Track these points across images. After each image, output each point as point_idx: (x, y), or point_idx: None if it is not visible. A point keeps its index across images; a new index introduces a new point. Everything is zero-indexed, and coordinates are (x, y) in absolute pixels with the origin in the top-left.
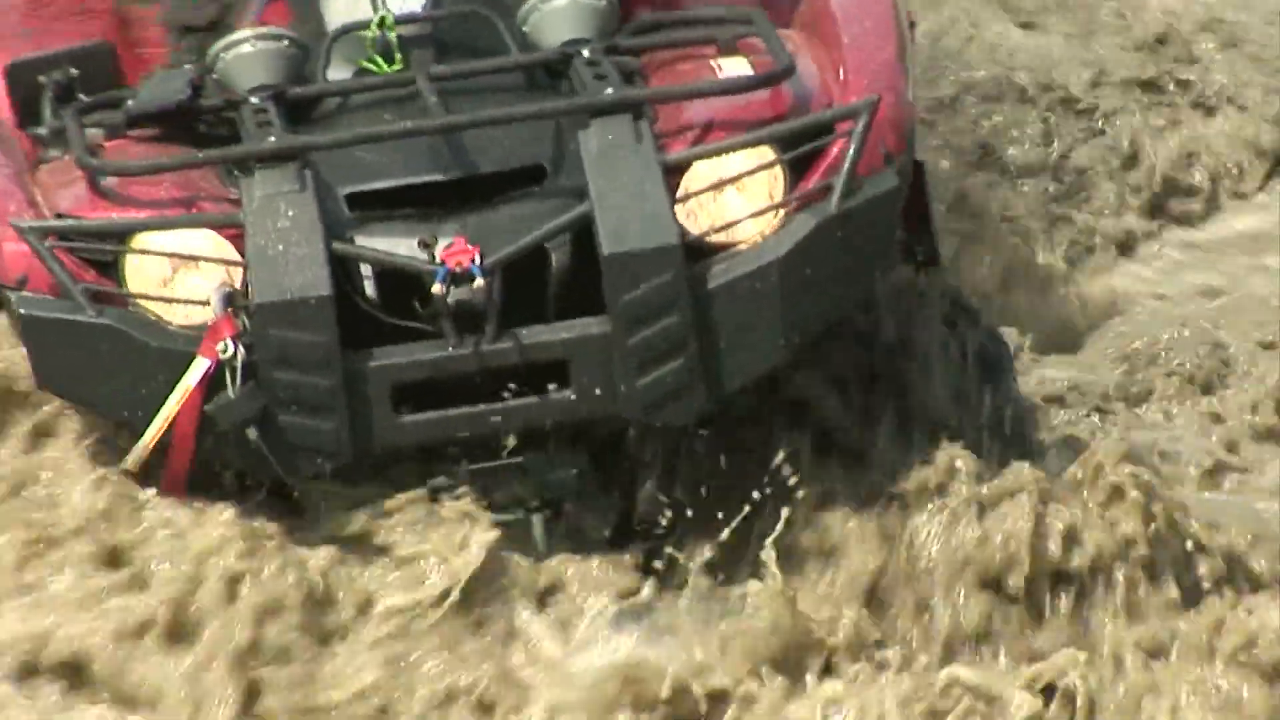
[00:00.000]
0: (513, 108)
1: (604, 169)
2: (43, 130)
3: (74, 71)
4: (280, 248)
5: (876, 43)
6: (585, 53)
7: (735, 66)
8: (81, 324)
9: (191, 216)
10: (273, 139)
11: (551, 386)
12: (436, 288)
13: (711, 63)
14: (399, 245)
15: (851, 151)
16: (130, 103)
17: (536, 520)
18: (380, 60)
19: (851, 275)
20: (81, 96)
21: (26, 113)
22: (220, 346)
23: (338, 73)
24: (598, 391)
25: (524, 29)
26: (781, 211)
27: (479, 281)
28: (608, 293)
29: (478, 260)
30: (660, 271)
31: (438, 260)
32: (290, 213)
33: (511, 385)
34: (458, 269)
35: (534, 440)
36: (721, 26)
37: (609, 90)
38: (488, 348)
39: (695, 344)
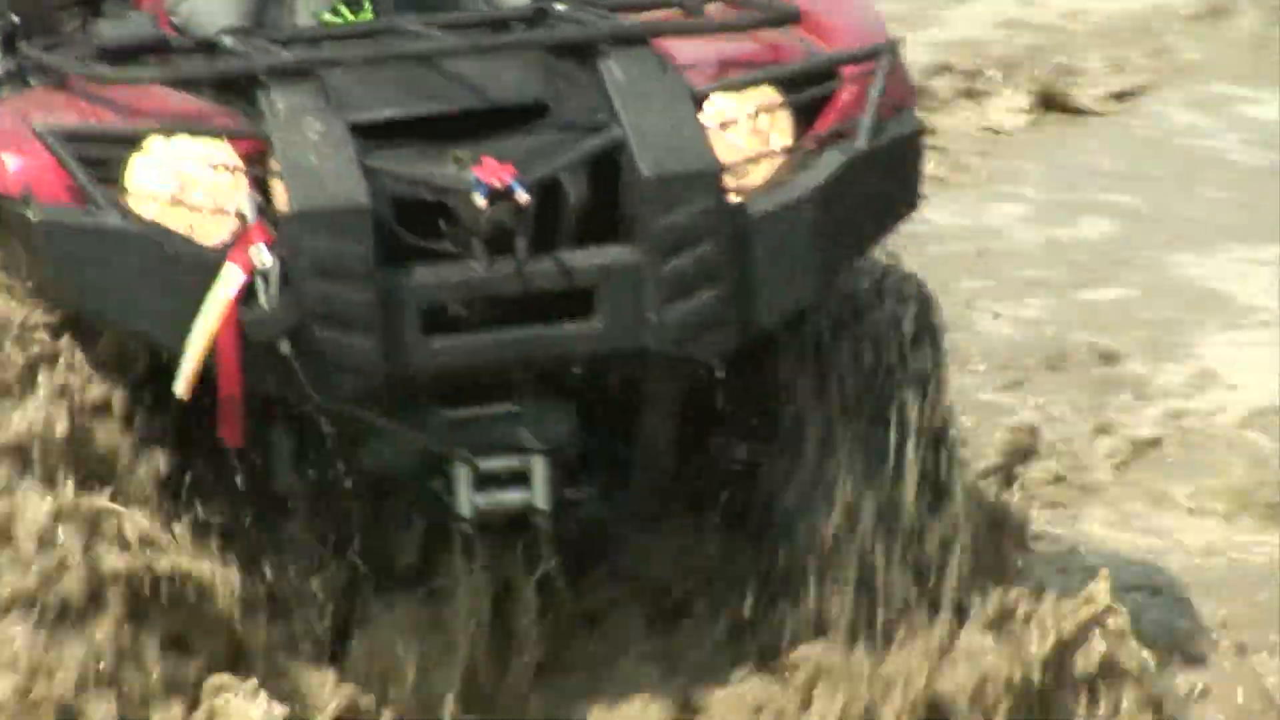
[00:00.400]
0: (529, 35)
1: (633, 96)
2: None
3: (15, 19)
4: (314, 159)
5: (867, 16)
6: (559, 6)
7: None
8: (108, 231)
9: (214, 126)
10: (286, 55)
11: (579, 317)
12: (479, 201)
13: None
14: (417, 165)
15: (876, 91)
16: (102, 41)
17: (538, 465)
18: (345, 10)
19: (879, 215)
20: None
21: None
22: (255, 255)
23: (302, 20)
24: (625, 321)
25: None
26: (786, 153)
27: (523, 196)
28: (642, 219)
29: (516, 178)
30: (699, 197)
31: (475, 177)
32: (319, 126)
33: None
34: (498, 185)
35: (526, 390)
36: None
37: (619, 22)
38: (521, 269)
39: (731, 274)
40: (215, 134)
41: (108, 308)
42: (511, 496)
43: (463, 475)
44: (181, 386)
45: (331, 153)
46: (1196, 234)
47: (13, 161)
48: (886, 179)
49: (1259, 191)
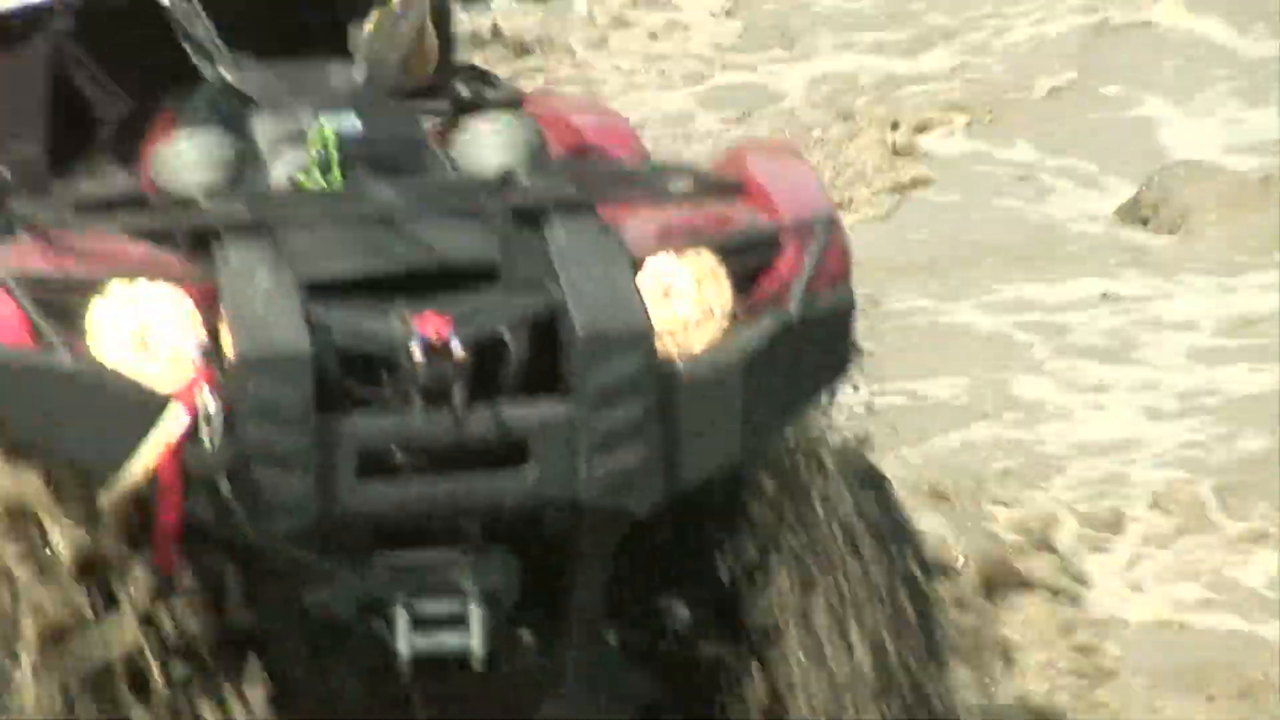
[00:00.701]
0: (474, 200)
1: (573, 258)
2: None
3: (5, 173)
4: (259, 308)
5: (808, 189)
6: (524, 180)
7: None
8: (57, 373)
9: (167, 270)
10: (241, 209)
11: (512, 467)
12: (417, 354)
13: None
14: (360, 318)
15: (811, 262)
16: (79, 191)
17: (475, 614)
18: (318, 174)
19: (806, 384)
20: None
21: None
22: (199, 397)
23: (277, 184)
24: (558, 472)
25: (453, 155)
26: (725, 319)
27: (459, 351)
28: (576, 375)
29: (453, 330)
30: (631, 355)
31: (413, 330)
32: (267, 276)
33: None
34: (435, 339)
35: (464, 536)
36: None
37: (571, 189)
38: (456, 420)
39: (658, 431)
40: (169, 279)
41: (57, 444)
42: (450, 640)
43: (401, 617)
44: (106, 500)
45: (277, 303)
46: None
47: None
48: (817, 348)
49: None
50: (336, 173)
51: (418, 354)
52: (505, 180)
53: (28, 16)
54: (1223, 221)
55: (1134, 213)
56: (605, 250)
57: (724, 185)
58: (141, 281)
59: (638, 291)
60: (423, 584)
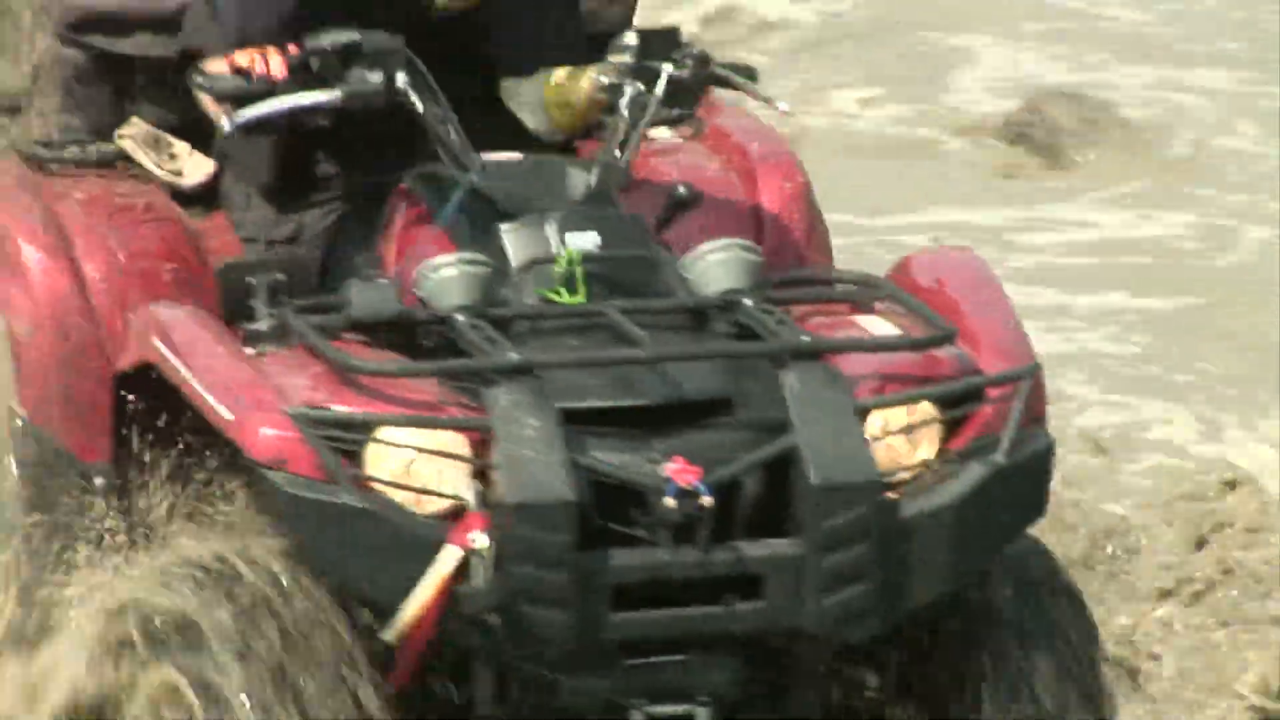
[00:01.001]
0: (726, 345)
1: (807, 407)
2: (261, 326)
3: (280, 276)
4: (528, 453)
5: (1002, 316)
6: (747, 301)
7: (878, 325)
8: (344, 507)
9: (450, 418)
10: (512, 355)
11: (745, 598)
12: (670, 500)
13: (855, 319)
14: (617, 458)
15: (1016, 411)
16: (352, 310)
17: (702, 715)
18: (564, 290)
19: (1012, 521)
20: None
21: (233, 309)
22: (473, 538)
23: (525, 299)
24: (788, 605)
25: (685, 275)
26: (935, 459)
27: (707, 499)
28: (807, 518)
29: (702, 479)
30: (860, 503)
31: (666, 477)
32: (533, 422)
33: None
34: (687, 486)
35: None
36: (856, 289)
37: (804, 337)
38: (700, 557)
39: (879, 570)
40: (454, 426)
41: (339, 569)
42: None
43: (637, 718)
44: (392, 635)
45: (545, 448)
46: None
47: (269, 432)
48: (1020, 490)
49: None
50: (582, 292)
51: (671, 501)
52: (730, 303)
53: (286, 119)
54: None
55: None
56: (836, 399)
57: (941, 336)
58: (416, 425)
59: (867, 443)
60: (657, 687)
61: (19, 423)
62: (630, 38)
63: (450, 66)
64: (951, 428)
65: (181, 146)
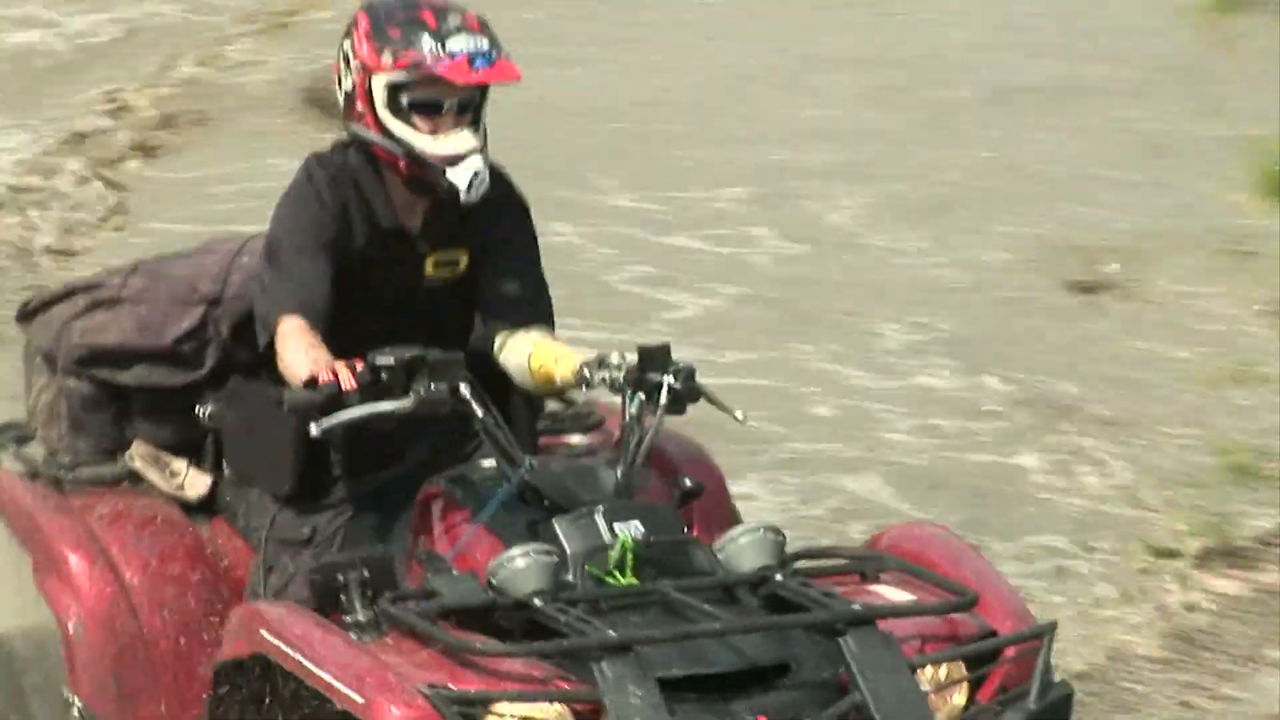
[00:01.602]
0: (798, 617)
1: (869, 667)
2: (359, 617)
3: (366, 572)
4: None
5: (996, 580)
6: (779, 576)
7: (893, 593)
8: None
9: (565, 691)
10: (612, 634)
11: None
12: None
13: (869, 588)
14: None
15: (1043, 662)
16: (445, 599)
17: None
18: (618, 574)
19: None
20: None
21: (326, 603)
22: None
23: (586, 582)
24: None
25: (720, 555)
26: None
27: None
28: None
29: None
30: None
31: None
32: (638, 692)
33: None
34: None
35: None
36: (866, 561)
37: (855, 606)
38: None
39: None
40: (559, 699)
41: None
42: None
43: None
44: None
45: (652, 714)
46: None
47: (399, 711)
48: None
49: None
50: (633, 575)
51: None
52: (764, 579)
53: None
54: None
55: None
56: (893, 659)
57: (964, 602)
58: (535, 700)
59: (925, 696)
60: None
61: (75, 712)
62: (615, 356)
63: (438, 326)
64: (975, 680)
65: (179, 463)
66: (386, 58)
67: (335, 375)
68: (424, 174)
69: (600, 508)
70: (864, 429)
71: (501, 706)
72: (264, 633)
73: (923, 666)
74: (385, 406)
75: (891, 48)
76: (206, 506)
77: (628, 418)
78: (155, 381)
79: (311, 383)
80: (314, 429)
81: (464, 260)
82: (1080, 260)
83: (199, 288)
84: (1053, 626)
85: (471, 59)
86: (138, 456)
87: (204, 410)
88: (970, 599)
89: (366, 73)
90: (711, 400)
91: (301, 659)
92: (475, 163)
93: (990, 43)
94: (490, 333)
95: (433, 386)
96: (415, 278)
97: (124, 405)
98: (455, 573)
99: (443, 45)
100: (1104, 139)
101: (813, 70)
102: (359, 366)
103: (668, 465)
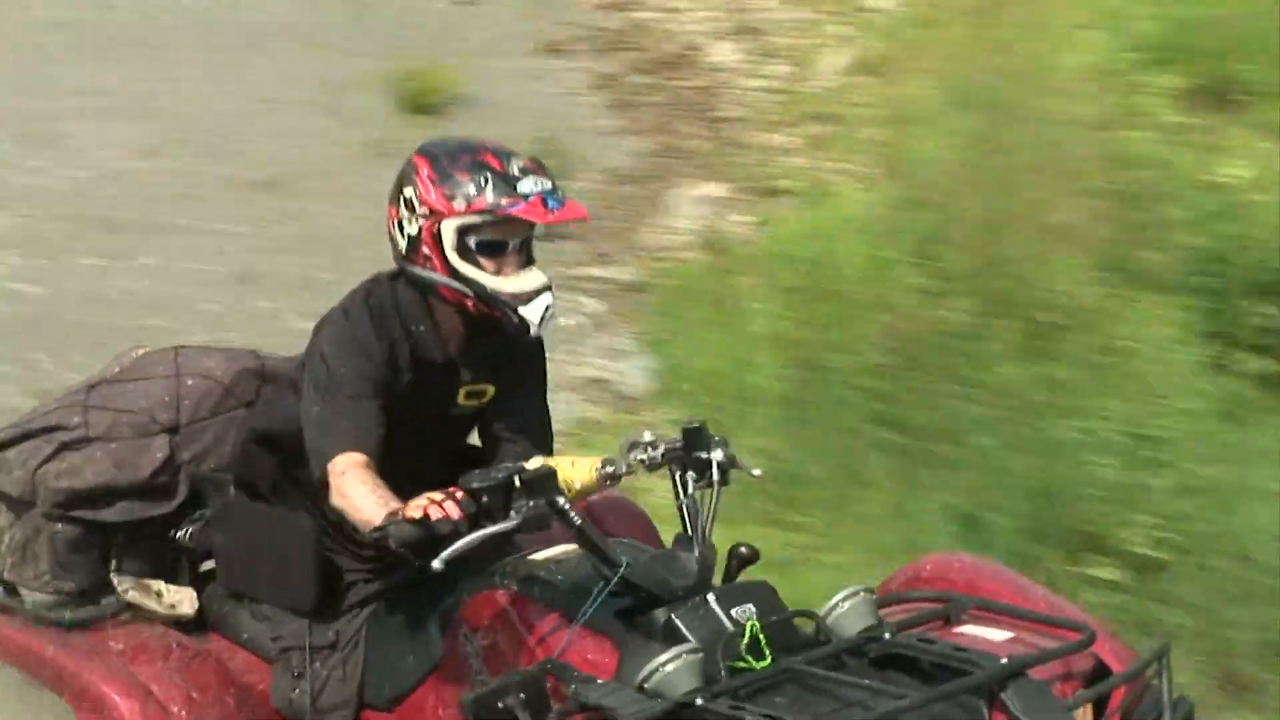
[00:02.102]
0: (960, 683)
1: (1034, 714)
2: None
3: (523, 695)
4: None
5: (1065, 606)
6: (886, 635)
7: (991, 633)
8: None
9: None
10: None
11: None
12: None
13: (962, 630)
14: None
15: (1168, 683)
16: (620, 712)
17: None
18: (751, 658)
19: None
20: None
21: None
22: None
23: (720, 672)
24: None
25: (828, 622)
26: None
27: None
28: None
29: None
30: None
31: None
32: None
33: None
34: None
35: None
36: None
37: (1004, 660)
38: None
39: None
40: None
41: None
42: None
43: None
44: None
45: None
46: None
47: None
48: None
49: None
50: (769, 656)
51: None
52: (871, 639)
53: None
54: None
55: None
56: (1055, 705)
57: (1085, 641)
58: None
59: None
60: None
61: None
62: (647, 434)
63: (458, 451)
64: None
65: (158, 584)
66: (459, 203)
67: (444, 510)
68: (491, 312)
69: (711, 595)
70: None
71: None
72: None
73: (1077, 708)
74: (495, 529)
75: None
76: (197, 622)
77: (683, 497)
78: (137, 515)
79: (420, 520)
80: (436, 563)
81: (490, 392)
82: None
83: (157, 417)
84: (1167, 648)
85: (544, 199)
86: (130, 589)
87: (185, 533)
88: (1090, 636)
89: (436, 217)
90: (741, 467)
91: None
92: (548, 298)
93: None
94: (500, 460)
95: (531, 503)
96: (446, 406)
97: (109, 541)
98: (598, 681)
99: (514, 188)
100: None
101: None
102: (458, 495)
103: (616, 524)
